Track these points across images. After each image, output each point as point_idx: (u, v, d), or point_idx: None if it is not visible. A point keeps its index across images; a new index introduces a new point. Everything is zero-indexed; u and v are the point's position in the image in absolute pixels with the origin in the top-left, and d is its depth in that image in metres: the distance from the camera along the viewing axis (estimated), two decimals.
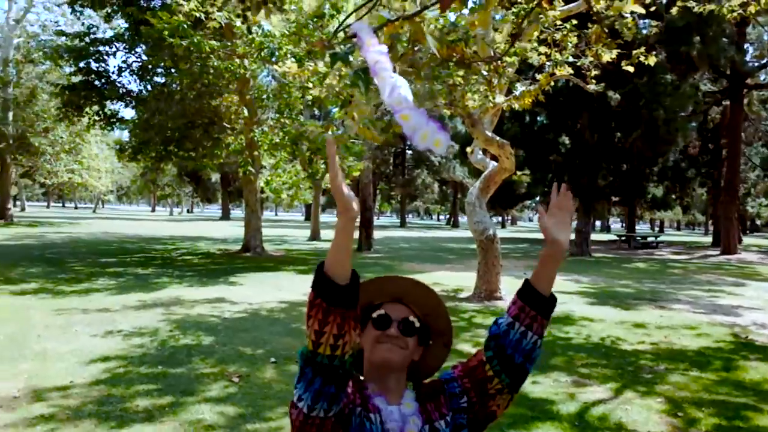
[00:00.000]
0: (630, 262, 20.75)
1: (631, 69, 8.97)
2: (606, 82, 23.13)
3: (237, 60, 14.93)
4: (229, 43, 15.42)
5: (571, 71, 10.79)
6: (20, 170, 35.01)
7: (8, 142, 31.23)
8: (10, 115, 31.82)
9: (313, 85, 9.56)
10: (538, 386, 5.26)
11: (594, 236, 40.58)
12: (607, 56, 10.15)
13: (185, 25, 13.46)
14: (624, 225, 66.21)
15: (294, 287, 11.31)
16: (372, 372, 1.44)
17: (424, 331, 1.51)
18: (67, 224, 33.53)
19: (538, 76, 10.65)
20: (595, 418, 4.51)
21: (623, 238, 32.20)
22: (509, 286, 11.44)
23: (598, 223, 78.06)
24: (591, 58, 10.45)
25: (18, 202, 59.98)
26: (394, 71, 1.36)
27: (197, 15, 13.27)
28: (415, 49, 8.26)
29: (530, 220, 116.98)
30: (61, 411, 4.41)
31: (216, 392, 4.90)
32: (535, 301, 1.42)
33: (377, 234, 35.42)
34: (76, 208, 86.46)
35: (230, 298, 9.77)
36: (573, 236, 27.16)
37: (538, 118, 30.19)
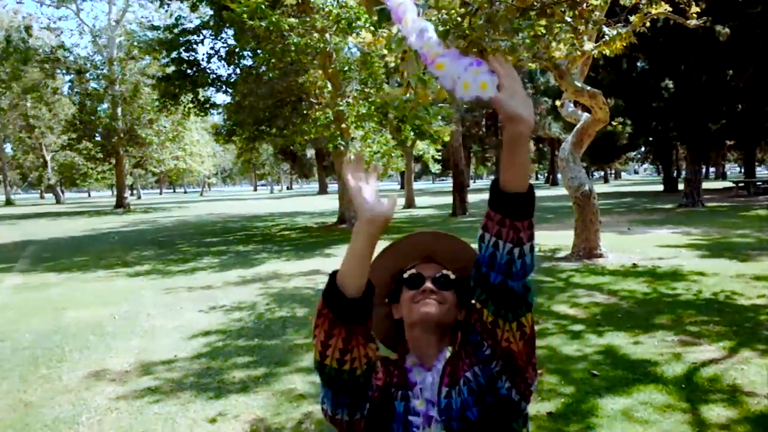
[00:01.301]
0: (748, 209, 19.10)
1: None
2: (712, 15, 21.24)
3: (316, 35, 14.98)
4: (307, 19, 15.50)
5: (669, 8, 9.91)
6: (132, 161, 37.41)
7: (119, 135, 33.55)
8: (119, 110, 34.09)
9: (389, 52, 9.39)
10: (639, 346, 4.94)
11: (707, 185, 37.88)
12: None
13: (263, 6, 13.65)
14: (742, 170, 61.22)
15: None
16: (413, 338, 1.34)
17: (464, 288, 1.36)
18: (177, 208, 35.66)
19: (632, 18, 9.89)
20: (705, 380, 4.16)
21: (741, 184, 29.68)
22: (611, 243, 10.87)
23: (712, 170, 72.74)
24: None
25: (134, 191, 64.63)
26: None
27: None
28: (487, 1, 7.85)
29: (635, 172, 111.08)
30: (165, 383, 4.66)
31: (307, 362, 4.99)
32: (500, 200, 1.12)
33: (472, 198, 34.93)
34: (185, 192, 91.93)
35: (325, 270, 9.95)
36: (681, 185, 25.44)
37: (638, 63, 28.24)
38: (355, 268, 1.15)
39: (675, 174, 37.58)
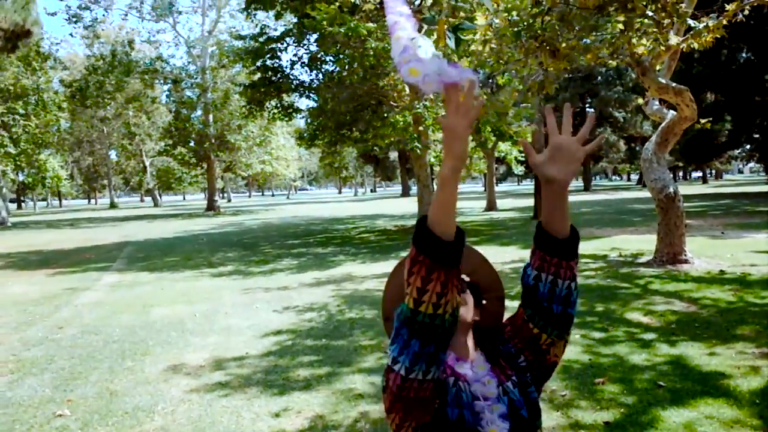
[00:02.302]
0: None
1: None
2: None
3: None
4: (386, 23, 15.70)
5: None
6: (222, 165, 39.21)
7: (211, 141, 35.32)
8: (210, 117, 35.88)
9: (460, 54, 9.37)
10: (715, 358, 4.68)
11: None
12: None
13: (342, 12, 13.97)
14: None
15: None
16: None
17: (475, 290, 1.49)
18: (264, 211, 37.02)
19: (728, 6, 9.34)
20: None
21: None
22: (700, 248, 10.33)
23: None
24: None
25: (224, 195, 67.66)
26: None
27: (352, 1, 13.70)
28: (560, 0, 7.68)
29: (740, 172, 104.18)
30: (235, 379, 4.90)
31: (370, 363, 5.10)
32: (553, 246, 1.30)
33: None
34: (273, 195, 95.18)
35: None
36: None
37: (739, 54, 26.52)
38: (448, 213, 1.15)
39: None
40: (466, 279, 1.47)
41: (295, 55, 19.79)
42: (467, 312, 1.40)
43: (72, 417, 4.23)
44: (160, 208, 48.13)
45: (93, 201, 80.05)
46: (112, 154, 57.29)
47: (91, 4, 33.70)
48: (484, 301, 1.50)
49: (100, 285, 10.34)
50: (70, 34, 52.02)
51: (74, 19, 33.05)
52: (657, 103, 11.01)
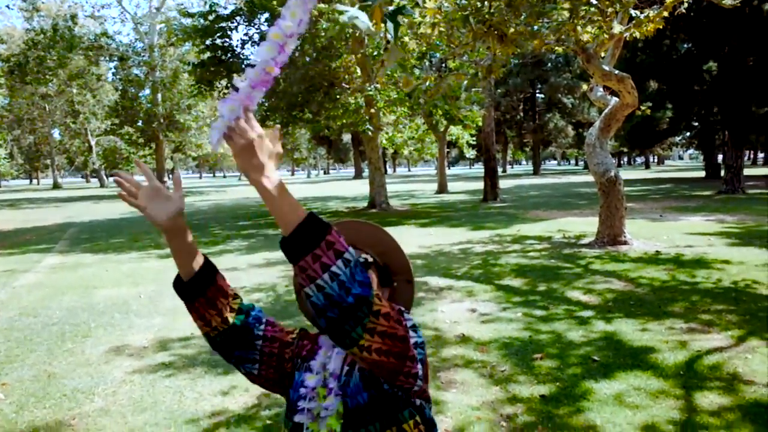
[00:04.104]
0: None
1: None
2: None
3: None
4: (337, 5, 15.57)
5: None
6: (171, 146, 38.28)
7: (159, 121, 34.39)
8: (159, 96, 34.90)
9: (410, 37, 9.41)
10: (646, 334, 4.92)
11: (753, 171, 36.67)
12: None
13: None
14: None
15: (412, 240, 11.44)
16: None
17: (384, 271, 1.51)
18: (215, 192, 36.40)
19: None
20: (706, 368, 4.14)
21: None
22: (639, 230, 10.74)
23: (761, 155, 70.17)
24: None
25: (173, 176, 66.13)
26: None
27: None
28: None
29: (680, 158, 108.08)
30: (179, 359, 4.87)
31: None
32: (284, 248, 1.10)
33: (507, 183, 34.69)
34: (224, 176, 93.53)
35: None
36: (722, 172, 24.65)
37: (680, 45, 27.40)
38: (178, 261, 1.31)
39: (719, 160, 36.45)
40: (369, 259, 1.47)
41: (245, 34, 19.46)
42: None
43: (6, 401, 4.13)
44: (107, 189, 46.67)
45: (35, 181, 76.98)
46: (55, 133, 55.13)
47: None
48: (394, 283, 1.53)
49: (41, 267, 10.02)
50: (7, 6, 49.47)
51: None
52: (601, 89, 11.32)
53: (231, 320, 1.34)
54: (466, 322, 5.51)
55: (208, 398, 4.05)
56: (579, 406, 3.61)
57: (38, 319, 6.34)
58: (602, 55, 10.53)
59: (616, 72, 10.06)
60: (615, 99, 10.55)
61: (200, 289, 1.31)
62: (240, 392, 4.12)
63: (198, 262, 1.31)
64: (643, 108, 10.18)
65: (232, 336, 1.35)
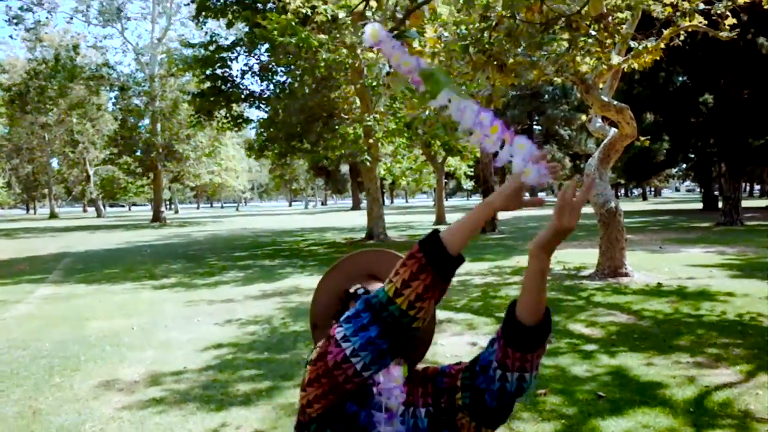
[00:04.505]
0: None
1: None
2: (754, 27, 20.69)
3: (344, 51, 15.15)
4: (338, 35, 15.70)
5: (704, 20, 9.72)
6: (169, 176, 38.28)
7: (158, 150, 34.44)
8: (158, 126, 35.03)
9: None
10: (652, 368, 4.77)
11: (750, 203, 36.70)
12: None
13: (293, 23, 13.90)
14: None
15: None
16: None
17: None
18: (212, 223, 36.27)
19: (665, 31, 9.72)
20: (716, 404, 3.99)
21: None
22: (640, 262, 10.62)
23: (757, 188, 70.47)
24: (726, 2, 9.35)
25: (171, 206, 66.08)
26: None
27: (304, 11, 13.65)
28: (508, 15, 7.83)
29: (677, 190, 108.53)
30: (171, 395, 4.70)
31: None
32: (524, 337, 1.14)
33: (505, 215, 34.62)
34: (222, 207, 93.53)
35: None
36: (721, 204, 24.65)
37: (676, 78, 27.68)
38: (465, 229, 1.12)
39: (716, 192, 36.55)
40: None
41: (245, 64, 19.60)
42: None
43: None
44: (104, 219, 46.53)
45: (32, 211, 76.80)
46: (54, 162, 55.16)
47: (34, 6, 32.55)
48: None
49: (33, 297, 9.85)
50: (11, 36, 50.05)
51: (15, 21, 31.78)
52: (600, 120, 11.33)
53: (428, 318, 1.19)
54: (467, 356, 5.34)
55: None
56: None
57: (27, 352, 6.17)
58: (600, 86, 10.57)
59: (615, 103, 10.08)
60: (614, 130, 10.55)
61: (452, 275, 1.13)
62: (232, 430, 3.96)
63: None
64: (642, 139, 10.16)
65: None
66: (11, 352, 6.21)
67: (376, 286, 1.41)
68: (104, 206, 57.31)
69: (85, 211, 73.22)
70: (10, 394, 4.86)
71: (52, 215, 52.26)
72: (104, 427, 4.09)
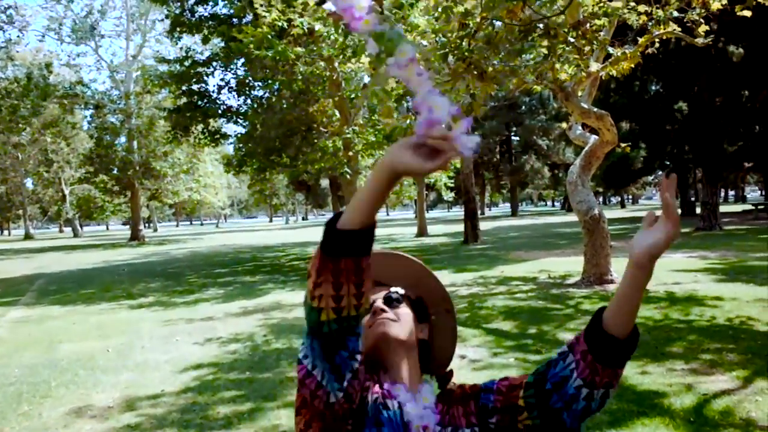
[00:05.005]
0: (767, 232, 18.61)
1: (748, 14, 7.89)
2: (725, 36, 21.04)
3: (322, 63, 15.05)
4: (314, 48, 15.58)
5: (678, 28, 9.79)
6: (147, 194, 37.72)
7: (135, 168, 33.92)
8: (135, 144, 34.55)
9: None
10: (647, 377, 4.65)
11: (726, 208, 37.19)
12: (717, 3, 9.07)
13: (269, 36, 13.75)
14: (763, 193, 60.13)
15: None
16: (378, 363, 1.20)
17: (419, 305, 1.30)
18: (192, 240, 35.76)
19: (641, 39, 9.76)
20: (717, 413, 3.86)
21: (760, 207, 29.04)
22: (623, 268, 10.54)
23: (732, 193, 71.67)
24: (699, 9, 9.41)
25: (150, 224, 65.17)
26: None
27: (280, 24, 13.52)
28: (486, 23, 7.76)
29: (652, 197, 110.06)
30: (147, 420, 4.46)
31: None
32: (599, 339, 1.06)
33: (486, 225, 34.67)
34: (201, 224, 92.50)
35: None
36: (698, 209, 24.90)
37: (650, 86, 28.04)
38: (361, 200, 0.93)
39: (693, 198, 37.00)
40: (401, 292, 1.27)
41: (222, 79, 19.37)
42: (401, 329, 1.20)
43: None
44: (81, 239, 45.68)
45: (6, 232, 75.21)
46: (28, 182, 54.13)
47: (4, 24, 32.00)
48: (432, 317, 1.33)
49: (3, 321, 9.48)
50: None
51: None
52: (580, 128, 11.33)
53: (364, 308, 0.98)
54: (457, 369, 5.16)
55: None
56: None
57: None
58: (579, 93, 10.56)
59: (595, 110, 10.07)
60: (594, 137, 10.54)
61: (363, 247, 0.93)
62: None
63: (371, 219, 0.93)
64: (623, 145, 10.15)
65: (348, 329, 0.98)
66: None
67: (379, 292, 1.26)
68: (81, 226, 56.33)
69: (61, 231, 71.89)
70: None
71: (27, 236, 51.21)
72: None
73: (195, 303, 10.26)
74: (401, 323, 1.21)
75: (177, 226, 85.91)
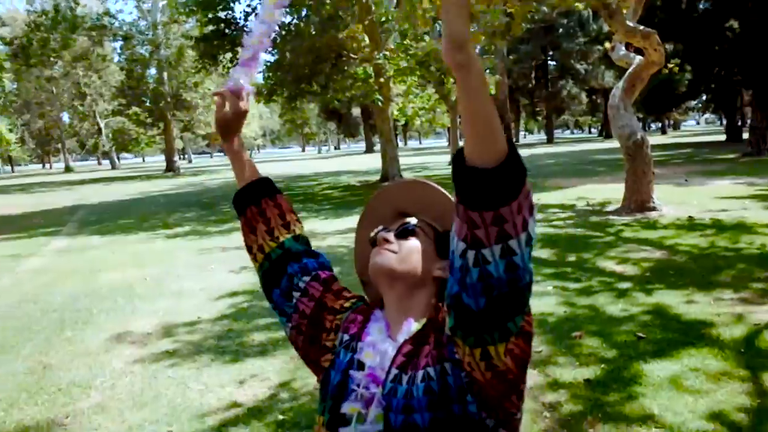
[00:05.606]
0: None
1: None
2: None
3: None
4: None
5: None
6: (180, 125, 37.85)
7: (166, 100, 33.93)
8: (165, 75, 34.38)
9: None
10: (693, 306, 4.47)
11: None
12: None
13: None
14: None
15: None
16: (384, 300, 1.09)
17: (442, 240, 1.08)
18: (226, 171, 36.00)
19: None
20: None
21: None
22: (666, 196, 10.20)
23: None
24: None
25: (185, 155, 65.88)
26: None
27: None
28: None
29: (696, 123, 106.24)
30: (184, 346, 4.51)
31: None
32: (459, 177, 0.78)
33: (522, 152, 33.79)
34: None
35: None
36: (746, 134, 23.83)
37: (700, 4, 26.37)
38: (235, 172, 1.29)
39: (739, 122, 35.42)
40: (413, 222, 1.10)
41: (248, 5, 18.84)
42: (397, 261, 1.04)
43: None
44: (118, 171, 46.50)
45: (48, 165, 77.06)
46: (65, 116, 54.88)
47: None
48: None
49: (47, 250, 9.72)
50: None
51: None
52: (623, 48, 10.69)
53: (282, 239, 1.19)
54: None
55: (215, 390, 3.67)
56: (630, 391, 3.19)
57: (38, 306, 6.01)
58: (624, 11, 9.89)
59: (641, 28, 9.45)
60: (639, 57, 9.94)
61: (253, 197, 1.23)
62: (250, 383, 3.74)
63: (254, 174, 1.26)
64: (670, 65, 9.56)
65: (276, 266, 1.18)
66: (22, 306, 6.05)
67: (397, 222, 1.13)
68: (118, 158, 57.29)
69: (99, 163, 73.38)
70: (21, 349, 4.70)
71: (68, 169, 52.36)
72: (115, 382, 3.90)
73: (229, 232, 10.33)
74: (400, 255, 1.06)
75: (211, 157, 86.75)
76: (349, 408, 0.98)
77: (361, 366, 1.01)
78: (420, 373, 0.93)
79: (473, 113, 0.75)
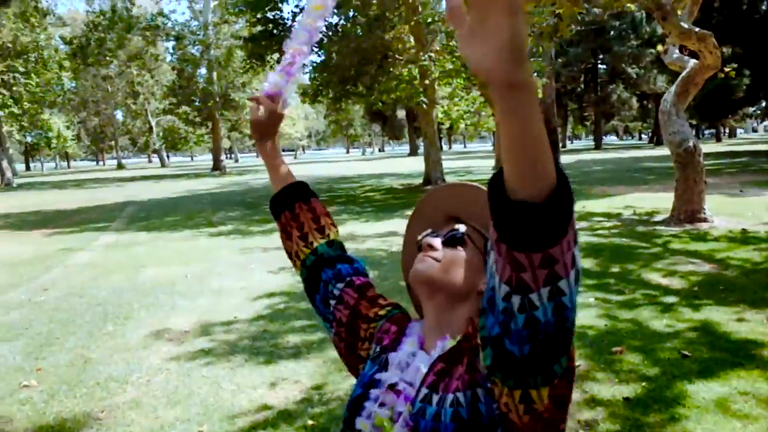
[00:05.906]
0: None
1: None
2: None
3: None
4: None
5: None
6: (227, 125, 38.57)
7: (215, 100, 34.63)
8: (214, 75, 35.12)
9: None
10: (744, 324, 4.25)
11: None
12: None
13: None
14: None
15: None
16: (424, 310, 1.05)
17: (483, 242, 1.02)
18: None
19: None
20: None
21: None
22: (718, 206, 9.81)
23: None
24: None
25: (231, 155, 67.14)
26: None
27: None
28: None
29: (754, 130, 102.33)
30: (219, 345, 4.55)
31: None
32: (501, 213, 0.64)
33: (567, 158, 33.39)
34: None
35: (402, 232, 9.63)
36: None
37: (763, 6, 25.37)
38: (270, 176, 1.32)
39: None
40: (462, 230, 1.01)
41: (296, 6, 19.05)
42: (438, 271, 0.97)
43: (38, 388, 3.89)
44: (167, 169, 47.77)
45: (101, 162, 79.79)
46: (118, 114, 56.71)
47: None
48: None
49: (96, 245, 10.01)
50: None
51: None
52: (677, 51, 10.34)
53: (315, 245, 1.22)
54: None
55: (247, 391, 3.68)
56: (673, 413, 3.04)
57: (84, 300, 6.18)
58: (679, 12, 9.56)
59: (697, 30, 9.11)
60: (693, 61, 9.59)
61: (287, 201, 1.26)
62: (282, 385, 3.74)
63: (288, 178, 1.30)
64: (727, 69, 9.19)
65: (312, 273, 1.21)
66: (69, 299, 6.24)
67: (447, 227, 1.06)
68: (167, 156, 58.79)
69: (150, 161, 75.52)
70: (65, 342, 4.83)
71: (119, 166, 54.09)
72: (150, 379, 3.96)
73: (271, 232, 10.42)
74: (443, 264, 0.98)
75: (257, 156, 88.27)
76: (362, 424, 0.96)
77: (382, 384, 0.97)
78: (449, 397, 0.86)
79: (522, 139, 0.61)
